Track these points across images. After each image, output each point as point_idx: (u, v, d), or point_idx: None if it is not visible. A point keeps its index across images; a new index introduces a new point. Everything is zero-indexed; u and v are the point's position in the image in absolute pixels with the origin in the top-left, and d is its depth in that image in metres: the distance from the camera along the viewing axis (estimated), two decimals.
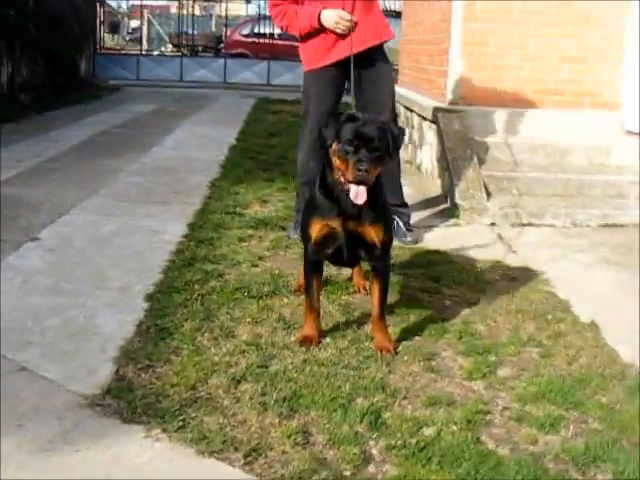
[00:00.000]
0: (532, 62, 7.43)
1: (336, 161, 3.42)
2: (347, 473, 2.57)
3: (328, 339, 3.66)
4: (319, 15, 5.24)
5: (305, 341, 3.60)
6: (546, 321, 4.04)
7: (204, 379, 3.16)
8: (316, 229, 3.57)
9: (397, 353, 3.56)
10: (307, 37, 5.45)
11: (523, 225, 6.01)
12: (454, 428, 2.85)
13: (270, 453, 2.64)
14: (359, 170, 3.30)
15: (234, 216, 5.94)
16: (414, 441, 2.74)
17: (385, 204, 3.72)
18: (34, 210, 6.02)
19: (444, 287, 4.50)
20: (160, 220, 5.83)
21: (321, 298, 3.86)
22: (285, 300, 4.18)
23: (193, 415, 2.86)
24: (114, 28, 49.62)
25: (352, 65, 4.90)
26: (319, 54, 5.40)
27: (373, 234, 3.55)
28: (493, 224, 6.02)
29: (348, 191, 3.38)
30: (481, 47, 7.41)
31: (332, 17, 5.21)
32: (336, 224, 3.52)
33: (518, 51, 7.42)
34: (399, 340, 3.70)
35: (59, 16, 15.59)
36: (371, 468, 2.61)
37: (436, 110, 7.24)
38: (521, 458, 2.66)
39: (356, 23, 5.20)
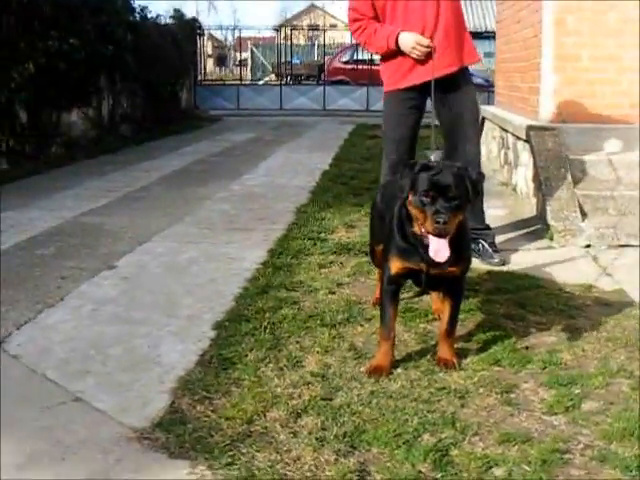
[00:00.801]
0: (629, 74, 7.05)
1: (414, 213, 3.29)
2: None
3: (400, 370, 3.46)
4: (397, 37, 5.09)
5: (375, 371, 3.42)
6: (639, 350, 3.72)
7: (262, 412, 3.00)
8: (396, 266, 3.47)
9: (460, 365, 3.43)
10: (387, 57, 5.32)
11: (621, 246, 5.67)
12: (527, 468, 2.60)
13: None
14: (437, 222, 3.15)
15: (317, 242, 5.79)
16: None
17: (468, 242, 3.61)
18: (115, 238, 6.03)
19: (530, 313, 4.23)
20: (240, 247, 5.74)
21: (396, 325, 3.66)
22: (359, 328, 3.99)
23: (244, 450, 2.70)
24: (222, 60, 50.90)
25: (433, 93, 4.71)
26: (398, 76, 5.26)
27: (455, 272, 3.45)
28: (588, 246, 5.70)
29: (428, 244, 3.25)
30: (574, 61, 7.09)
31: (409, 41, 5.06)
32: (418, 267, 3.42)
33: (614, 63, 7.07)
34: (476, 371, 3.46)
35: (159, 49, 15.90)
36: None
37: (529, 128, 6.95)
38: None
39: (434, 48, 5.02)
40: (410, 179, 3.28)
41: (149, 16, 16.12)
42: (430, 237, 3.21)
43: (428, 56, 5.06)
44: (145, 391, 3.23)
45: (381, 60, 5.46)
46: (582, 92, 7.16)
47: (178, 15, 19.69)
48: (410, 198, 3.28)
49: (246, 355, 3.57)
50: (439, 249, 3.20)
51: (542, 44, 7.17)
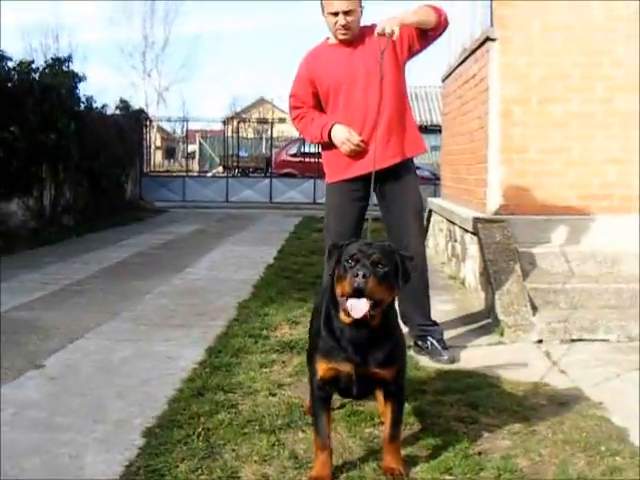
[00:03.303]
0: (576, 167, 7.05)
1: (338, 286, 3.10)
2: None
3: None
4: (330, 129, 4.99)
5: None
6: (599, 454, 3.51)
7: None
8: (322, 368, 3.24)
9: (407, 475, 3.22)
10: (326, 147, 5.22)
11: (573, 341, 5.54)
12: None
13: None
14: (356, 276, 2.96)
15: (258, 339, 5.56)
16: None
17: (399, 343, 3.37)
18: (46, 335, 5.73)
19: (482, 415, 4.01)
20: (177, 345, 5.47)
21: (341, 431, 3.55)
22: (300, 434, 3.74)
23: None
24: (171, 152, 51.14)
25: (372, 186, 4.57)
26: (340, 167, 5.17)
27: (385, 375, 3.23)
28: (540, 341, 5.56)
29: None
30: (521, 153, 7.09)
31: (340, 136, 5.01)
32: (345, 368, 3.20)
33: (560, 155, 7.06)
34: None
35: (103, 140, 15.76)
36: None
37: (476, 221, 6.87)
38: None
39: (366, 146, 4.96)
40: (336, 256, 3.14)
41: (94, 106, 16.01)
42: (348, 300, 3.01)
43: (362, 151, 4.97)
44: None
45: (322, 150, 5.34)
46: (531, 184, 7.14)
47: (124, 105, 19.65)
48: (336, 274, 3.11)
49: (177, 466, 3.29)
50: (357, 305, 2.98)
51: (488, 135, 7.15)
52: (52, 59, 14.06)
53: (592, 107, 7.05)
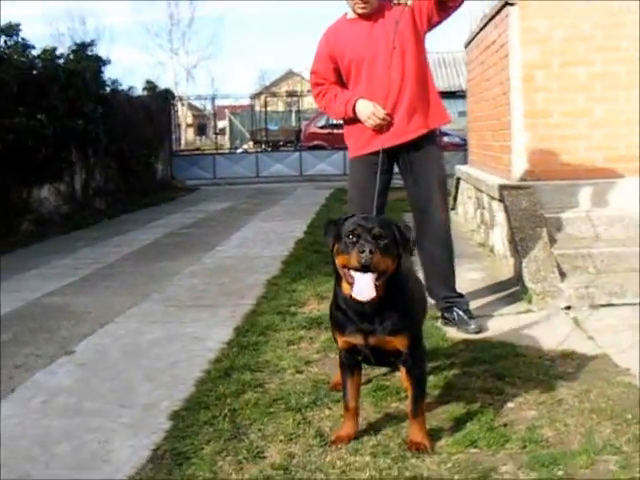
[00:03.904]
0: (601, 129, 6.96)
1: (340, 261, 3.12)
2: None
3: (368, 457, 3.20)
4: (354, 104, 4.97)
5: (338, 441, 3.33)
6: (625, 421, 3.47)
7: None
8: (340, 342, 3.37)
9: (432, 449, 3.22)
10: (349, 122, 5.18)
11: (602, 306, 5.47)
12: None
13: None
14: (362, 252, 2.98)
15: (286, 316, 5.57)
16: None
17: (408, 303, 3.37)
18: (77, 320, 5.80)
19: (508, 385, 3.99)
20: (206, 325, 5.51)
21: (367, 407, 3.60)
22: (326, 411, 3.75)
23: None
24: (202, 129, 51.26)
25: (379, 165, 4.57)
26: (362, 141, 5.13)
27: (396, 344, 3.27)
28: (568, 307, 5.50)
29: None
30: (545, 117, 6.99)
31: (365, 110, 4.97)
32: (356, 339, 3.28)
33: (584, 118, 6.97)
34: (451, 454, 3.21)
35: (131, 122, 15.83)
36: None
37: (501, 188, 6.81)
38: None
39: (391, 119, 4.95)
40: (334, 231, 3.17)
41: (120, 88, 16.07)
42: (356, 276, 3.04)
43: (387, 124, 4.94)
44: None
45: (345, 124, 5.31)
46: (556, 148, 7.04)
47: (151, 86, 19.69)
48: (336, 248, 3.13)
49: (202, 448, 3.32)
50: (363, 287, 3.02)
51: (511, 101, 7.07)
52: (76, 44, 14.15)
53: (615, 67, 6.92)
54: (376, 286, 3.03)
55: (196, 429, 3.53)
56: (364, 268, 2.99)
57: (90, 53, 13.98)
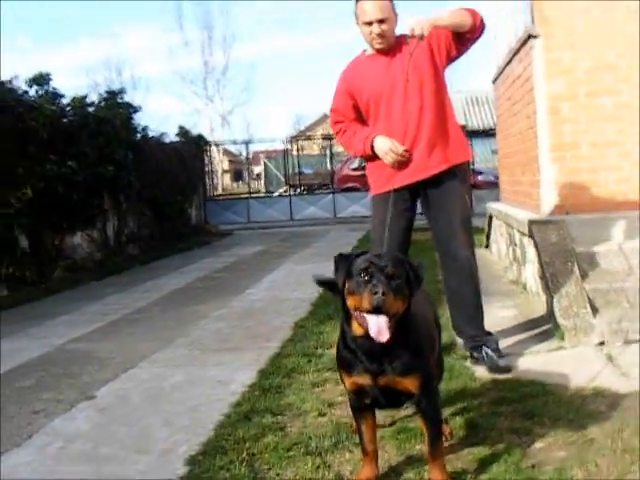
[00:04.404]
0: (631, 159, 6.81)
1: (351, 302, 3.01)
2: None
3: None
4: (372, 141, 4.91)
5: None
6: None
7: None
8: (347, 383, 3.25)
9: None
10: (371, 159, 5.13)
11: (637, 341, 5.30)
12: None
13: None
14: (375, 293, 2.88)
15: (312, 358, 5.49)
16: None
17: (419, 342, 3.26)
18: (101, 365, 5.76)
19: (537, 425, 3.85)
20: (229, 369, 5.43)
21: (389, 450, 3.51)
22: (347, 455, 3.64)
23: None
24: (239, 175, 51.67)
25: (391, 201, 4.52)
26: (383, 179, 5.08)
27: (407, 385, 3.15)
28: (602, 343, 5.33)
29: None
30: (572, 149, 6.87)
31: (383, 147, 4.91)
32: (365, 381, 3.15)
33: (614, 149, 6.84)
34: None
35: (163, 167, 15.94)
36: None
37: (531, 223, 6.68)
38: None
39: (410, 155, 4.89)
40: (345, 268, 3.06)
41: (151, 135, 16.20)
42: (369, 319, 2.93)
43: (406, 161, 4.88)
44: None
45: (366, 162, 5.26)
46: (585, 181, 6.92)
47: (183, 132, 19.87)
48: (347, 286, 3.03)
49: None
50: (380, 328, 2.91)
51: (538, 135, 6.97)
52: (106, 92, 14.33)
53: None
54: (388, 327, 2.95)
55: (212, 474, 3.45)
56: (376, 310, 2.90)
57: (120, 100, 14.14)
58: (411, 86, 4.83)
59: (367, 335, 2.98)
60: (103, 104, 13.70)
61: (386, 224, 4.64)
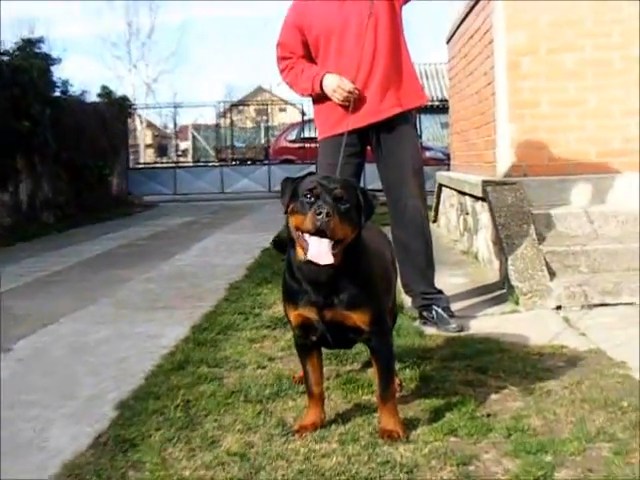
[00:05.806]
0: (593, 120, 6.96)
1: (293, 222, 3.01)
2: None
3: (335, 445, 3.14)
4: (322, 79, 4.93)
5: (302, 429, 3.25)
6: (621, 409, 3.43)
7: None
8: (292, 317, 3.24)
9: (407, 437, 3.15)
10: (319, 100, 5.14)
11: (595, 306, 5.45)
12: None
13: None
14: (319, 214, 2.86)
15: (249, 316, 5.53)
16: None
17: (369, 276, 3.27)
18: (17, 322, 5.68)
19: (492, 378, 3.94)
20: (160, 325, 5.44)
21: (335, 398, 3.58)
22: (290, 403, 3.68)
23: None
24: (163, 150, 51.12)
25: (343, 145, 4.55)
26: (331, 121, 5.09)
27: (356, 320, 3.15)
28: (558, 307, 5.47)
29: (313, 263, 2.95)
30: (532, 108, 7.00)
31: (332, 84, 4.93)
32: (310, 314, 3.16)
33: (576, 108, 6.98)
34: (427, 442, 3.15)
35: (83, 129, 15.72)
36: None
37: (485, 184, 6.78)
38: None
39: (359, 94, 4.90)
40: (291, 189, 3.06)
41: (72, 91, 15.96)
42: (310, 240, 2.92)
43: (359, 101, 4.91)
44: None
45: (314, 104, 5.27)
46: (544, 141, 7.05)
47: (106, 92, 19.59)
48: (291, 208, 3.02)
49: (151, 435, 3.24)
50: (320, 251, 2.90)
51: (496, 91, 7.07)
52: (22, 40, 14.03)
53: (608, 54, 6.95)
54: (333, 254, 2.94)
55: (144, 418, 3.46)
56: (319, 232, 2.89)
57: (38, 51, 13.88)
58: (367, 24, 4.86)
59: (311, 261, 2.96)
60: (18, 54, 13.42)
61: (337, 167, 4.65)
